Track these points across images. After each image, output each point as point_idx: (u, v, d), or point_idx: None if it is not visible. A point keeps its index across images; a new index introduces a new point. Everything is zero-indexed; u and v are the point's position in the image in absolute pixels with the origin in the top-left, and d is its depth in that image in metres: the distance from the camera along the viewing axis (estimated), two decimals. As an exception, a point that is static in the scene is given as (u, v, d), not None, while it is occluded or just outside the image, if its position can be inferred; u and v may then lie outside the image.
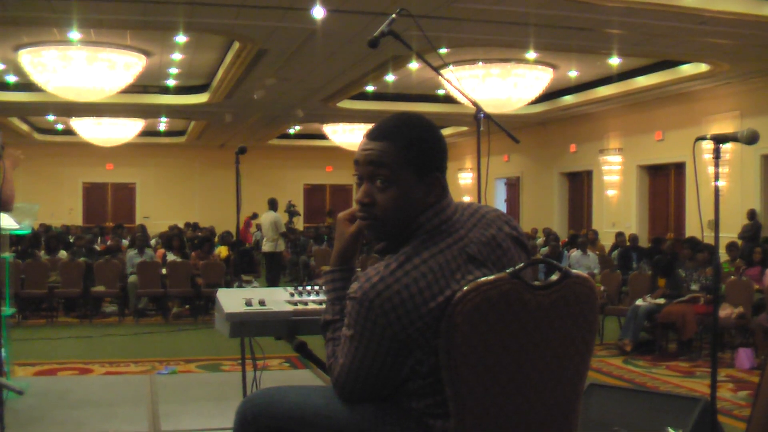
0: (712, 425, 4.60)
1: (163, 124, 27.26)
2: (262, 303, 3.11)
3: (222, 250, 17.10)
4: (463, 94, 4.39)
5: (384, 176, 2.47)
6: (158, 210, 30.17)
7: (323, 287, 2.82)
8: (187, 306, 14.76)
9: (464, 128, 23.25)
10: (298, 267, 20.02)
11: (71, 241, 17.95)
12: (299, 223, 28.39)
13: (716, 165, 4.43)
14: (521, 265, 2.36)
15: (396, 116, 2.57)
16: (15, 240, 13.65)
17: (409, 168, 2.46)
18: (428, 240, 2.43)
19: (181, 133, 28.92)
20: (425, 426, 2.42)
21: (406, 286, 2.33)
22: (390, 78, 17.84)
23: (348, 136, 25.19)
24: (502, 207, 25.70)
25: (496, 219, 2.58)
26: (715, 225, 4.54)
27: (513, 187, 26.75)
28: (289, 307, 3.11)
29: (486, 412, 2.31)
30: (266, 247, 17.19)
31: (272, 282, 16.51)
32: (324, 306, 2.87)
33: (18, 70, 17.08)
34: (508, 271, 2.32)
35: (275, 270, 17.08)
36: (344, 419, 2.50)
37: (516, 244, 2.58)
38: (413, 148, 2.47)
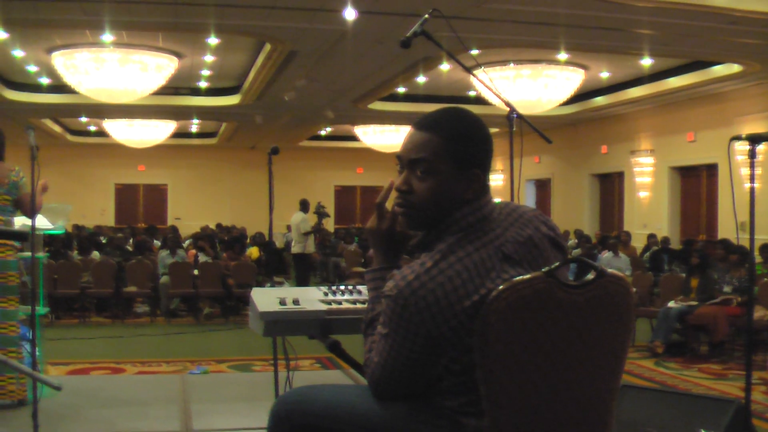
0: (746, 427, 4.56)
1: (194, 125, 27.36)
2: (296, 302, 3.13)
3: (253, 251, 17.14)
4: (496, 95, 4.38)
5: (424, 166, 2.49)
6: (190, 211, 30.23)
7: (367, 286, 2.82)
8: (218, 306, 14.81)
9: (495, 130, 23.15)
10: (328, 268, 20.02)
11: (103, 242, 18.05)
12: (329, 225, 28.41)
13: (752, 165, 4.40)
14: (556, 264, 2.36)
15: (445, 109, 2.59)
16: (48, 240, 13.75)
17: (449, 161, 2.48)
18: (464, 238, 2.43)
19: (212, 134, 29.00)
20: (458, 424, 2.42)
21: (441, 284, 2.33)
22: (421, 79, 17.81)
23: (379, 137, 25.13)
24: (532, 208, 25.59)
25: (533, 219, 2.58)
26: (750, 226, 4.51)
27: (543, 188, 26.64)
28: (323, 307, 3.12)
29: (520, 411, 2.31)
30: (294, 248, 17.20)
31: (301, 283, 16.51)
32: (357, 305, 2.88)
33: (51, 73, 17.19)
34: (543, 270, 2.32)
35: (303, 271, 17.07)
36: (378, 417, 2.51)
37: (553, 245, 2.57)
38: (456, 142, 2.49)
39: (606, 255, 14.70)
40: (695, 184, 19.65)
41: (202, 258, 15.34)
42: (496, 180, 27.09)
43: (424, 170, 2.50)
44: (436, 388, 2.47)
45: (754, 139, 4.43)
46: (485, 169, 2.53)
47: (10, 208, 6.68)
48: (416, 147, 2.52)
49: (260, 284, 14.30)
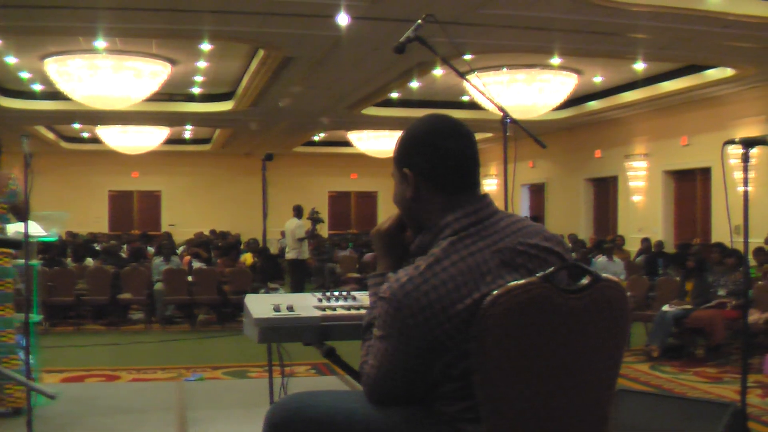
0: (742, 431, 4.56)
1: (188, 132, 27.34)
2: (290, 309, 3.12)
3: (247, 257, 17.12)
4: (490, 99, 4.39)
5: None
6: (184, 218, 30.20)
7: (369, 290, 2.83)
8: (214, 313, 14.79)
9: (489, 134, 23.19)
10: (323, 274, 20.00)
11: (97, 249, 18.02)
12: (323, 231, 28.37)
13: (745, 169, 4.41)
14: (552, 269, 2.36)
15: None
16: (42, 248, 13.72)
17: (395, 163, 2.65)
18: (458, 242, 2.43)
19: (206, 141, 28.99)
20: (457, 430, 2.41)
21: (435, 287, 2.33)
22: (415, 85, 17.83)
23: (373, 143, 25.13)
24: (526, 214, 25.65)
25: (535, 233, 2.56)
26: (744, 230, 4.52)
27: (537, 193, 26.64)
28: (318, 313, 3.12)
29: (518, 417, 2.31)
30: (289, 254, 17.20)
31: (296, 289, 16.50)
32: (351, 312, 2.88)
33: (44, 79, 17.18)
34: (538, 275, 2.32)
35: (298, 277, 17.07)
36: (376, 423, 2.49)
37: (555, 257, 2.55)
38: (397, 145, 2.65)
39: (601, 259, 14.71)
40: (689, 188, 19.67)
41: (196, 264, 15.31)
42: (490, 185, 27.09)
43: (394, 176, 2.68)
44: (434, 394, 2.46)
45: (748, 143, 4.44)
46: (416, 169, 2.57)
47: (6, 217, 6.69)
48: None
49: (255, 290, 14.27)
